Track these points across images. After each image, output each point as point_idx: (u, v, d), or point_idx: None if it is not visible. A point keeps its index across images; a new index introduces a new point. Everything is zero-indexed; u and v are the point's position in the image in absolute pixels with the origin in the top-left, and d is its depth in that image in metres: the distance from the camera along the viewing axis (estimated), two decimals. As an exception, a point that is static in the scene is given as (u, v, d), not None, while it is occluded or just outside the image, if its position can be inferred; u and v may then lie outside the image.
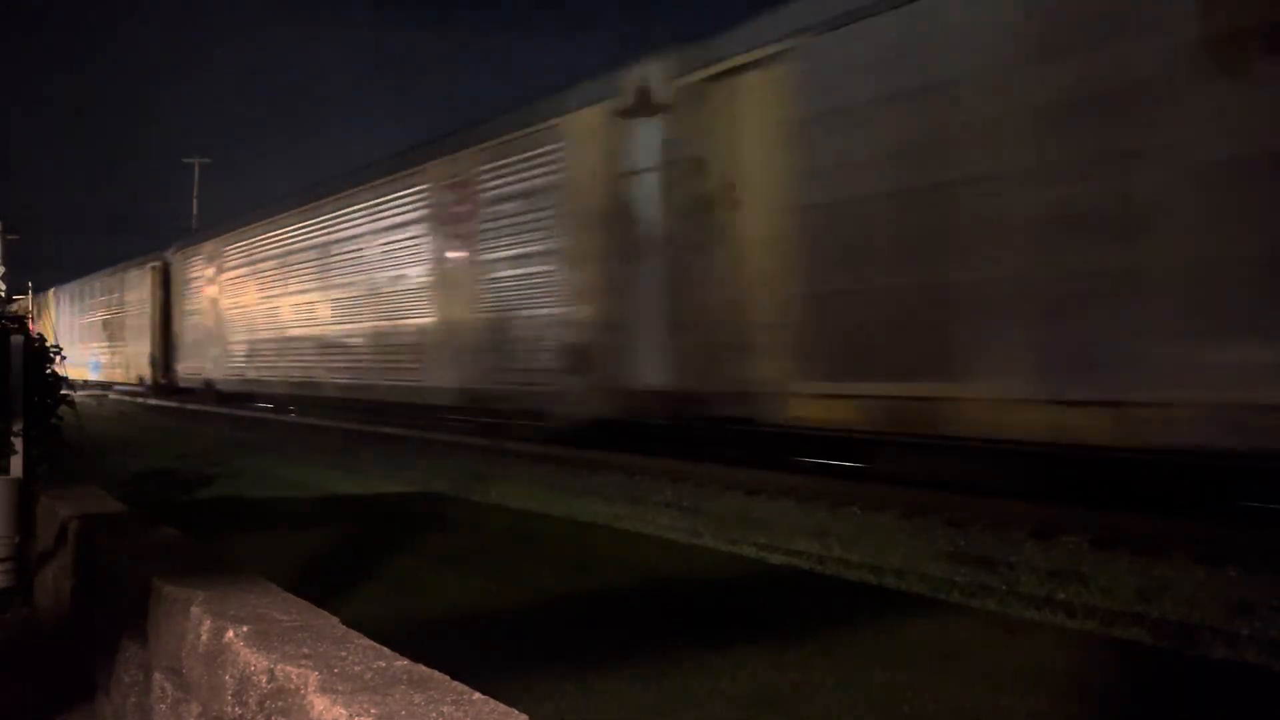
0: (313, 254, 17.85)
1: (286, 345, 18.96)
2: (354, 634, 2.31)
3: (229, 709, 2.25)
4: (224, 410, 21.77)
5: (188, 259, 25.05)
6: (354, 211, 16.27)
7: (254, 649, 2.20)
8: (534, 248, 11.70)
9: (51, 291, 41.48)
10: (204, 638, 2.48)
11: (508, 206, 12.22)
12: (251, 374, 20.81)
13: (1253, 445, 5.53)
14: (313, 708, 1.87)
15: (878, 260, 7.68)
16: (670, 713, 3.26)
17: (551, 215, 11.42)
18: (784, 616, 4.60)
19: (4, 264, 52.39)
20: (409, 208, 14.55)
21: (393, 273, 14.96)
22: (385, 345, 15.11)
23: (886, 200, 7.61)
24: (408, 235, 14.59)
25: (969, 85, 7.03)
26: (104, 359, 33.10)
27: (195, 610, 2.59)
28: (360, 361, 15.93)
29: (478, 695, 1.83)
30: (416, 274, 14.31)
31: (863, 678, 3.58)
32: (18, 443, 5.54)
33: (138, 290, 28.37)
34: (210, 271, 23.37)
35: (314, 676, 1.95)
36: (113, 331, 31.60)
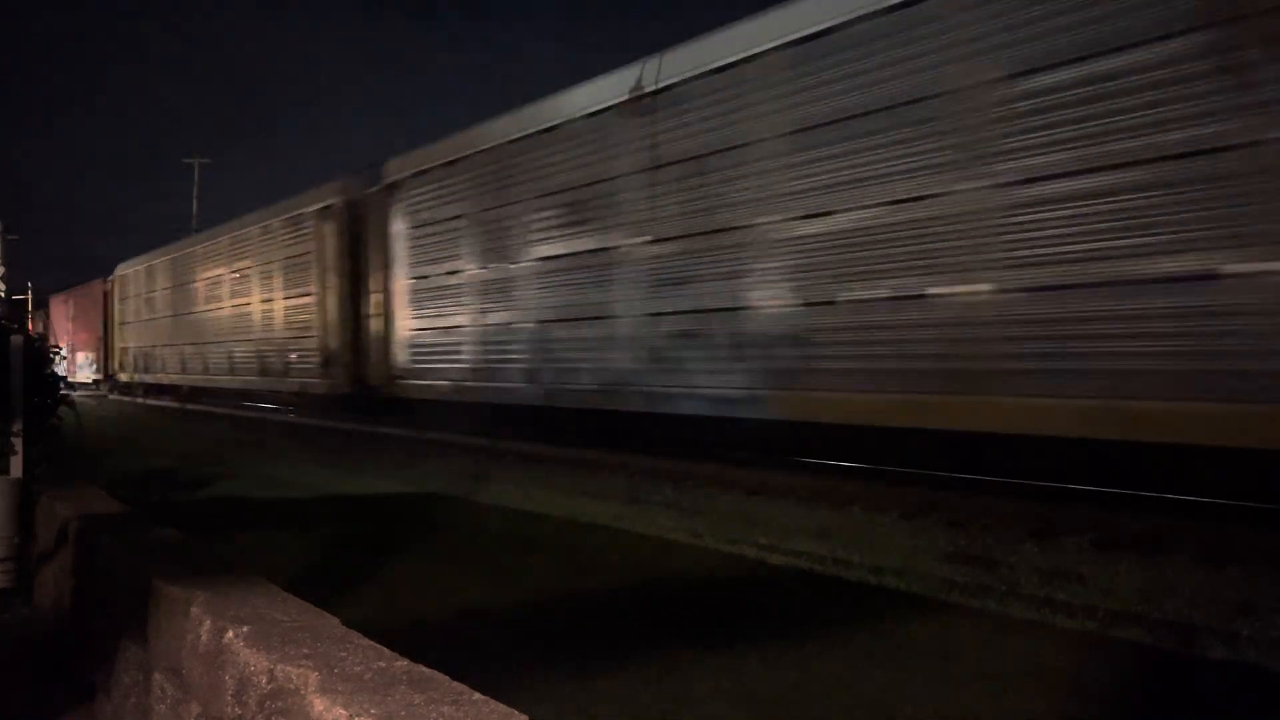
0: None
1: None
2: (354, 634, 2.31)
3: (229, 709, 2.25)
4: (223, 410, 21.76)
5: (409, 186, 14.01)
6: None
7: (254, 649, 2.20)
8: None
9: (116, 274, 31.83)
10: (204, 638, 2.48)
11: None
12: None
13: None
14: (313, 708, 1.87)
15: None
16: (670, 713, 3.26)
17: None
18: (784, 616, 4.60)
19: (4, 264, 52.19)
20: None
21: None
22: None
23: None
24: None
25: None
26: (207, 358, 22.73)
27: (195, 610, 2.59)
28: None
29: (478, 695, 1.83)
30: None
31: (863, 678, 3.58)
32: (18, 443, 5.54)
33: (292, 250, 17.76)
34: (475, 197, 12.53)
35: (314, 677, 1.95)
36: (230, 319, 21.12)
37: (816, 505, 7.62)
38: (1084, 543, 5.94)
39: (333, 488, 9.23)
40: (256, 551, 5.60)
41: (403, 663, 2.06)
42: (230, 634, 2.34)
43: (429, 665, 2.02)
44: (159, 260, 27.15)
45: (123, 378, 31.35)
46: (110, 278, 32.58)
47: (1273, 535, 5.63)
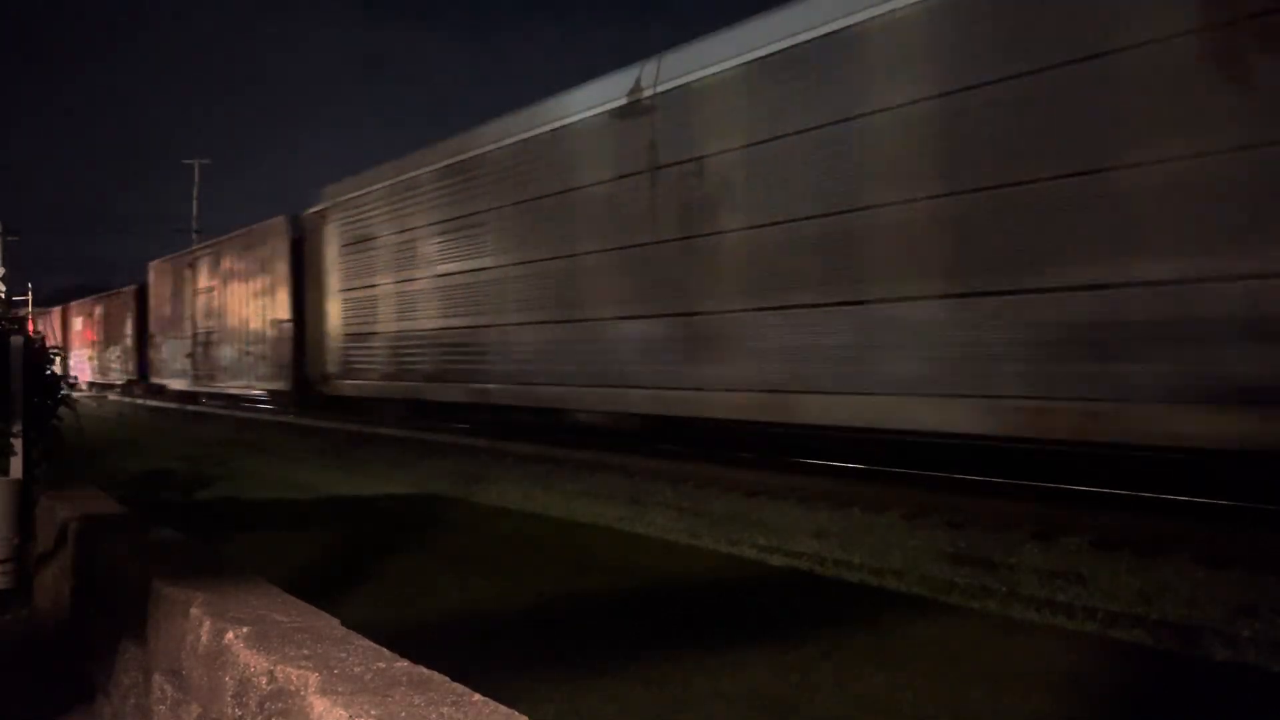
0: None
1: None
2: (354, 635, 2.31)
3: (229, 710, 2.25)
4: (223, 410, 21.71)
5: None
6: None
7: (254, 650, 2.20)
8: None
9: (325, 203, 16.77)
10: (204, 639, 2.48)
11: None
12: None
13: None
14: (313, 709, 1.86)
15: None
16: (671, 713, 3.26)
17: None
18: (784, 617, 4.59)
19: (3, 265, 52.13)
20: None
21: None
22: None
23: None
24: None
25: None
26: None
27: (195, 611, 2.59)
28: None
29: (478, 696, 1.82)
30: None
31: (863, 679, 3.58)
32: (17, 444, 5.54)
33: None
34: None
35: (314, 678, 1.95)
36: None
37: (816, 506, 7.62)
38: (1084, 544, 5.94)
39: (333, 488, 9.23)
40: (257, 552, 5.60)
41: (403, 664, 2.06)
42: (230, 635, 2.33)
43: (429, 666, 2.02)
44: (460, 158, 12.96)
45: (348, 388, 15.93)
46: (311, 209, 17.43)
47: (1273, 536, 5.63)
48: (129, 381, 29.84)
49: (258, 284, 19.72)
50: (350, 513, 7.93)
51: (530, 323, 11.57)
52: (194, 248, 25.17)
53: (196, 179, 49.13)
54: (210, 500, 8.40)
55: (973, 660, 3.84)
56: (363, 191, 15.59)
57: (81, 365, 36.52)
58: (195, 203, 48.86)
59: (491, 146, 12.35)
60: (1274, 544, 5.46)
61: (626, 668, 3.64)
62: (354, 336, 15.81)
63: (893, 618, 4.45)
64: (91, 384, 34.69)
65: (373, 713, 1.74)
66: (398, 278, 14.42)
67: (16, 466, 5.51)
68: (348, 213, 16.07)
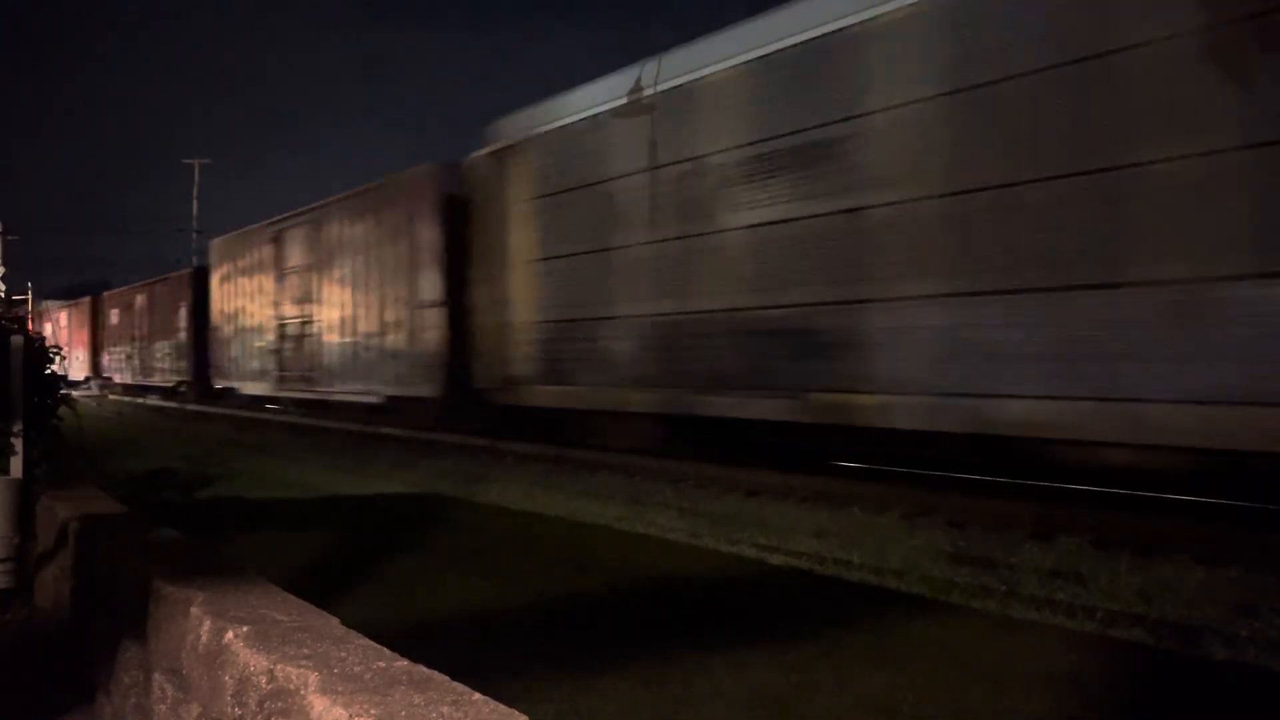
0: None
1: None
2: (354, 634, 2.31)
3: (229, 709, 2.25)
4: (224, 410, 21.71)
5: None
6: None
7: (254, 649, 2.20)
8: None
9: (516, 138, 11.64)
10: (204, 638, 2.48)
11: None
12: None
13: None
14: (312, 708, 1.86)
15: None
16: (671, 713, 3.26)
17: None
18: (784, 617, 4.59)
19: (3, 264, 52.02)
20: None
21: None
22: None
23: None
24: None
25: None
26: None
27: (195, 611, 2.59)
28: None
29: (478, 696, 1.82)
30: None
31: (863, 678, 3.58)
32: (17, 443, 5.54)
33: None
34: None
35: (314, 677, 1.95)
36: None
37: (816, 506, 7.62)
38: (1084, 543, 5.94)
39: (334, 488, 9.24)
40: (257, 552, 5.60)
41: (403, 663, 2.06)
42: (230, 634, 2.33)
43: (430, 665, 2.02)
44: (815, 35, 7.91)
45: (548, 397, 11.25)
46: (481, 152, 12.59)
47: (1273, 536, 5.63)
48: (180, 384, 25.04)
49: (386, 257, 14.89)
50: (351, 512, 7.93)
51: (985, 293, 6.74)
52: (280, 216, 19.17)
53: (196, 179, 49.07)
54: (210, 500, 8.41)
55: (973, 660, 3.83)
56: (581, 116, 10.65)
57: (118, 365, 31.30)
58: (195, 202, 48.80)
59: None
60: (1274, 544, 5.46)
61: (626, 667, 3.64)
62: (562, 324, 10.94)
63: (893, 617, 4.45)
64: (129, 387, 29.32)
65: (372, 712, 1.74)
66: (657, 235, 9.55)
67: (16, 466, 5.51)
68: (552, 149, 11.12)
